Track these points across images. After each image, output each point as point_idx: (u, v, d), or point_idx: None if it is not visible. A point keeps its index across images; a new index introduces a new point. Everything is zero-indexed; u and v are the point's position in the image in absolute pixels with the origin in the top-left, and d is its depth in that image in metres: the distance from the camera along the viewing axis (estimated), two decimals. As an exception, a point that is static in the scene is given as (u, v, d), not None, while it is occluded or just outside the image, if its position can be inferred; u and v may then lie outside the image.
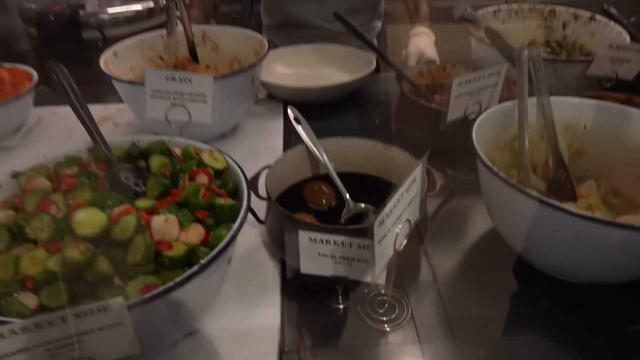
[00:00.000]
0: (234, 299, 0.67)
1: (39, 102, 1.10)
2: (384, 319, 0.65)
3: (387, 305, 0.67)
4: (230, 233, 0.53)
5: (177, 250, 0.53)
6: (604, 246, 0.59)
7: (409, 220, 0.60)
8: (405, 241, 0.60)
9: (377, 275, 0.57)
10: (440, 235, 0.79)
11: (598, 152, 0.81)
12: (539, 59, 0.77)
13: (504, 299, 0.69)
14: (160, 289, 0.46)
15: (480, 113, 0.78)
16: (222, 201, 0.60)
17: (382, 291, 0.68)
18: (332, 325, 0.65)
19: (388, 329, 0.64)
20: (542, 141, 0.78)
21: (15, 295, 0.49)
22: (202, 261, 0.49)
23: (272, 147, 1.01)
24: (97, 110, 1.15)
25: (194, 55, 1.13)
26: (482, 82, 0.86)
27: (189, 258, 0.54)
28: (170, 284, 0.47)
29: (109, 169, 0.65)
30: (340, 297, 0.68)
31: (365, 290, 0.69)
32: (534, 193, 0.59)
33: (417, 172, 0.58)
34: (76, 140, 0.70)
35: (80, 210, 0.53)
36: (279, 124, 1.10)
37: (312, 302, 0.68)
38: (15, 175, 0.63)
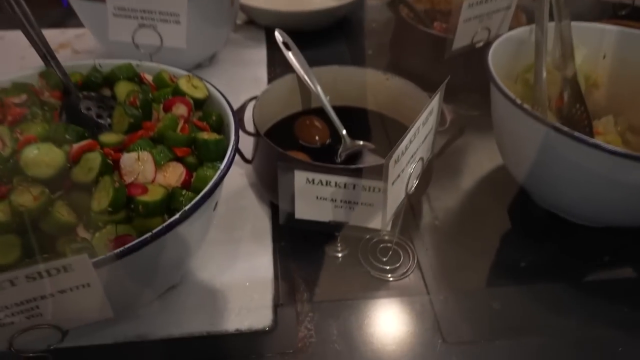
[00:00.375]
0: (219, 247, 0.59)
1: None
2: (388, 267, 0.59)
3: (391, 252, 0.61)
4: (218, 173, 0.44)
5: (154, 195, 0.44)
6: (629, 184, 0.53)
7: (422, 159, 0.52)
8: (417, 182, 0.53)
9: (387, 222, 0.49)
10: (447, 174, 0.72)
11: (616, 86, 0.74)
12: (562, -23, 0.68)
13: (518, 246, 0.64)
14: (135, 241, 0.38)
15: (488, 41, 0.69)
16: (206, 136, 0.50)
17: (386, 237, 0.62)
18: (331, 276, 0.58)
19: (392, 279, 0.58)
20: (558, 72, 0.70)
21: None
22: (185, 207, 0.41)
23: (255, 79, 0.91)
24: (53, 35, 1.03)
25: (162, -28, 0.99)
26: (493, 4, 0.76)
27: (169, 203, 0.45)
28: (147, 235, 0.38)
29: (66, 98, 0.55)
30: (339, 245, 0.61)
31: (367, 237, 0.62)
32: (564, 127, 0.52)
33: (434, 103, 0.50)
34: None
35: (32, 147, 0.43)
36: (262, 53, 0.99)
37: (307, 250, 0.61)
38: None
